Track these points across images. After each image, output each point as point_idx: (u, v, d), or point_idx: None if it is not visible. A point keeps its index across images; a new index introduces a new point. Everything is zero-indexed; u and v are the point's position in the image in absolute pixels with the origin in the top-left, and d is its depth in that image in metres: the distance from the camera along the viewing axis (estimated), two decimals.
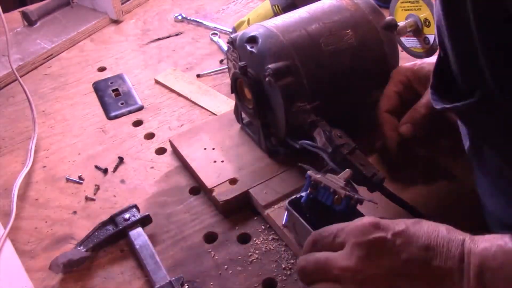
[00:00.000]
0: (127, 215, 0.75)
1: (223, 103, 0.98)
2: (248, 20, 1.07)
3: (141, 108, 1.00)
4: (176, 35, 1.20)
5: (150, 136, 0.93)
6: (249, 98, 0.81)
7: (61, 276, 0.71)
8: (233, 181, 0.80)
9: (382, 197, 0.69)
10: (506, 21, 0.45)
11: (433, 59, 0.79)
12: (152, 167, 0.87)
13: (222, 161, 0.83)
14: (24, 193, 0.84)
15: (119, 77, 1.08)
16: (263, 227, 0.76)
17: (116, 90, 1.04)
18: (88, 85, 1.07)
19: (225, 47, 1.10)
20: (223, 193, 0.78)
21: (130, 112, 0.99)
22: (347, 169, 0.65)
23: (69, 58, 1.15)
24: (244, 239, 0.75)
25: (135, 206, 0.77)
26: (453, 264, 0.50)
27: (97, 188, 0.84)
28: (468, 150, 0.61)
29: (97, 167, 0.87)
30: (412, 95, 0.79)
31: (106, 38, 1.20)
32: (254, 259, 0.71)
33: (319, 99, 0.75)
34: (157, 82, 1.06)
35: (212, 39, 1.17)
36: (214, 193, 0.78)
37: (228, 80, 0.93)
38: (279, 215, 0.72)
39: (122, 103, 1.01)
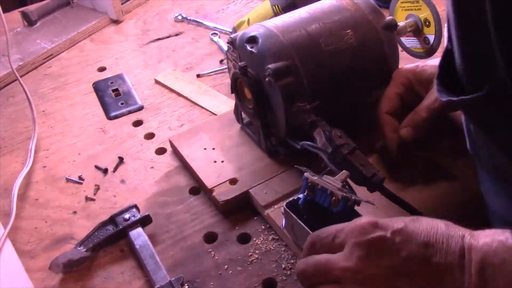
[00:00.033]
0: (127, 215, 0.75)
1: (223, 103, 0.98)
2: (248, 20, 1.07)
3: (141, 108, 1.00)
4: (176, 35, 1.20)
5: (150, 136, 0.93)
6: (249, 98, 0.81)
7: (61, 276, 0.71)
8: (233, 181, 0.80)
9: (382, 197, 0.69)
10: None
11: (435, 61, 0.79)
12: (152, 167, 0.87)
13: (222, 161, 0.83)
14: (24, 193, 0.84)
15: (119, 77, 1.08)
16: (263, 227, 0.76)
17: (116, 90, 1.04)
18: (88, 85, 1.07)
19: (225, 47, 1.10)
20: (223, 193, 0.78)
21: (130, 112, 0.99)
22: (344, 171, 0.65)
23: (69, 58, 1.15)
24: (244, 239, 0.75)
25: (135, 206, 0.77)
26: (453, 259, 0.50)
27: (97, 188, 0.84)
28: (469, 148, 0.61)
29: (97, 167, 0.87)
30: (413, 96, 0.79)
31: (106, 38, 1.20)
32: (254, 259, 0.71)
33: (319, 99, 0.75)
34: (157, 82, 1.06)
35: (212, 39, 1.17)
36: (214, 193, 0.78)
37: (228, 80, 0.93)
38: (279, 215, 0.72)
39: (122, 103, 1.01)
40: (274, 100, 0.77)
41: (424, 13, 0.83)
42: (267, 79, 0.74)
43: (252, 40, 0.78)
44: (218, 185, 0.79)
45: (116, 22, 1.25)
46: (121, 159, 0.88)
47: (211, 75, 1.07)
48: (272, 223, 0.75)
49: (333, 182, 0.63)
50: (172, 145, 0.89)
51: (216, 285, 0.69)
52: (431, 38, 0.84)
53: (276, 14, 1.00)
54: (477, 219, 0.69)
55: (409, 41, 0.87)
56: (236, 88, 0.83)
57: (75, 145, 0.93)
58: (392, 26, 0.81)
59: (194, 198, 0.81)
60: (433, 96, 0.75)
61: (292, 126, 0.76)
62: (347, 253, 0.54)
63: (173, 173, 0.85)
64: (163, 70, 1.09)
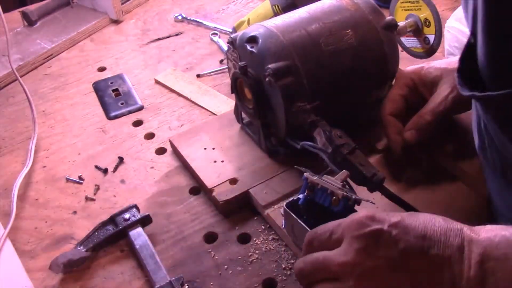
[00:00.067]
0: (127, 215, 0.75)
1: (223, 103, 0.98)
2: (248, 20, 1.07)
3: (141, 108, 1.00)
4: (176, 35, 1.20)
5: (150, 136, 0.93)
6: (249, 98, 0.81)
7: (61, 276, 0.71)
8: (233, 181, 0.80)
9: (382, 197, 0.69)
10: None
11: (440, 63, 0.79)
12: (152, 167, 0.87)
13: (222, 161, 0.83)
14: (24, 193, 0.84)
15: (119, 77, 1.08)
16: (263, 227, 0.76)
17: (116, 90, 1.04)
18: (88, 85, 1.07)
19: (225, 47, 1.10)
20: (223, 193, 0.78)
21: (130, 112, 0.99)
22: (344, 170, 0.65)
23: (69, 58, 1.15)
24: (244, 239, 0.75)
25: (135, 206, 0.77)
26: (452, 252, 0.50)
27: (97, 188, 0.84)
28: (478, 147, 0.61)
29: (97, 167, 0.87)
30: (417, 98, 0.79)
31: (106, 38, 1.20)
32: (254, 259, 0.71)
33: (319, 99, 0.75)
34: (157, 82, 1.06)
35: (212, 39, 1.17)
36: (214, 193, 0.78)
37: (228, 80, 0.93)
38: (279, 215, 0.72)
39: (122, 103, 1.01)
40: (274, 100, 0.77)
41: (424, 13, 0.83)
42: (267, 79, 0.74)
43: (252, 40, 0.78)
44: (218, 185, 0.79)
45: (116, 22, 1.25)
46: (121, 159, 0.88)
47: (211, 75, 1.07)
48: (272, 223, 0.75)
49: (333, 182, 0.63)
50: (172, 145, 0.89)
51: (216, 285, 0.69)
52: (431, 38, 0.84)
53: (276, 14, 1.00)
54: (478, 220, 0.70)
55: (409, 41, 0.87)
56: (236, 88, 0.83)
57: (75, 145, 0.93)
58: (392, 26, 0.81)
59: (194, 198, 0.81)
60: (438, 99, 0.76)
61: (292, 126, 0.76)
62: (344, 247, 0.54)
63: (173, 173, 0.85)
64: (163, 70, 1.09)
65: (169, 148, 0.90)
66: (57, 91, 1.05)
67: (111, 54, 1.15)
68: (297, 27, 0.77)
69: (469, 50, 0.54)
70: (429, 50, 0.85)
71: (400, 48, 0.84)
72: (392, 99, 0.79)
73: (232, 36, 0.83)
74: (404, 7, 0.86)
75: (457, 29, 0.98)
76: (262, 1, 1.10)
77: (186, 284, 0.69)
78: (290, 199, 0.67)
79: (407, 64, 0.86)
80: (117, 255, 0.74)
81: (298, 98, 0.74)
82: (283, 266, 0.70)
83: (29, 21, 1.21)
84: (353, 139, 0.70)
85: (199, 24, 1.22)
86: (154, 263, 0.70)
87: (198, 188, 0.82)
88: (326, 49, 0.77)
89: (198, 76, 1.06)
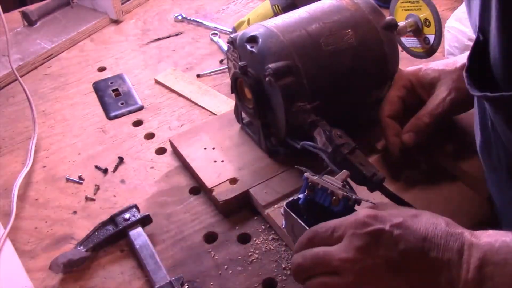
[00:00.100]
0: (127, 215, 0.75)
1: (223, 103, 0.98)
2: (248, 20, 1.07)
3: (141, 108, 1.00)
4: (176, 35, 1.20)
5: (150, 136, 0.93)
6: (249, 98, 0.81)
7: (61, 276, 0.71)
8: (233, 181, 0.80)
9: (382, 197, 0.69)
10: None
11: (437, 64, 0.79)
12: (152, 167, 0.87)
13: (222, 161, 0.83)
14: (24, 193, 0.84)
15: (119, 77, 1.08)
16: (263, 227, 0.76)
17: (116, 90, 1.04)
18: (88, 85, 1.07)
19: (225, 47, 1.10)
20: (223, 193, 0.78)
21: (130, 112, 0.99)
22: (344, 170, 0.65)
23: (69, 58, 1.15)
24: (244, 239, 0.75)
25: (135, 206, 0.77)
26: (451, 256, 0.50)
27: (97, 188, 0.84)
28: (480, 145, 0.61)
29: (97, 167, 0.87)
30: (415, 99, 0.79)
31: (106, 38, 1.20)
32: (254, 259, 0.71)
33: (319, 99, 0.75)
34: (157, 82, 1.06)
35: (212, 39, 1.17)
36: (214, 193, 0.78)
37: (228, 80, 0.93)
38: (279, 215, 0.72)
39: (122, 103, 1.01)
40: (274, 100, 0.77)
41: (424, 13, 0.83)
42: (267, 79, 0.74)
43: (252, 40, 0.78)
44: (218, 185, 0.79)
45: (116, 22, 1.25)
46: (121, 159, 0.88)
47: (211, 75, 1.07)
48: (272, 223, 0.75)
49: (333, 182, 0.63)
50: (172, 145, 0.89)
51: (216, 285, 0.69)
52: (431, 38, 0.84)
53: (276, 14, 1.00)
54: (478, 220, 0.70)
55: (409, 41, 0.87)
56: (236, 88, 0.83)
57: (75, 145, 0.93)
58: (392, 26, 0.81)
59: (194, 198, 0.81)
60: (436, 101, 0.75)
61: (292, 126, 0.76)
62: (346, 244, 0.54)
63: (173, 173, 0.85)
64: (163, 70, 1.09)
65: (169, 148, 0.90)
66: (57, 91, 1.05)
67: (111, 54, 1.15)
68: (297, 27, 0.77)
69: (477, 49, 0.54)
70: (429, 50, 0.85)
71: (400, 48, 0.84)
72: (390, 101, 0.79)
73: (232, 36, 0.83)
74: (404, 7, 0.86)
75: (457, 29, 0.98)
76: (262, 1, 1.10)
77: (186, 284, 0.69)
78: (290, 198, 0.67)
79: (407, 64, 0.86)
80: (117, 255, 0.74)
81: (298, 98, 0.74)
82: (283, 266, 0.70)
83: (29, 21, 1.21)
84: (353, 139, 0.70)
85: (199, 24, 1.22)
86: (154, 263, 0.70)
87: (198, 188, 0.82)
88: (326, 49, 0.77)
89: (198, 76, 1.06)
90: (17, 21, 1.22)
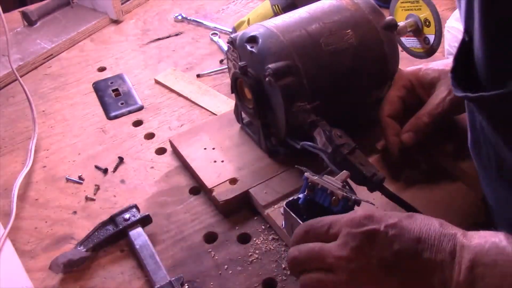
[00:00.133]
0: (127, 215, 0.75)
1: (223, 103, 0.98)
2: (248, 20, 1.07)
3: (141, 108, 1.00)
4: (176, 35, 1.20)
5: (150, 136, 0.93)
6: (249, 98, 0.81)
7: (61, 276, 0.71)
8: (233, 181, 0.80)
9: (382, 197, 0.69)
10: None
11: (438, 64, 0.79)
12: (152, 167, 0.87)
13: (222, 161, 0.83)
14: (24, 193, 0.84)
15: (119, 77, 1.08)
16: (263, 227, 0.76)
17: (116, 90, 1.04)
18: (88, 85, 1.07)
19: (225, 47, 1.10)
20: (223, 193, 0.78)
21: (130, 112, 0.99)
22: (344, 171, 0.66)
23: (69, 58, 1.15)
24: (244, 239, 0.75)
25: (135, 206, 0.77)
26: (444, 257, 0.51)
27: (97, 188, 0.84)
28: (470, 144, 0.61)
29: (97, 167, 0.87)
30: (415, 99, 0.79)
31: (106, 38, 1.20)
32: (254, 259, 0.71)
33: (319, 99, 0.75)
34: (157, 82, 1.06)
35: (212, 39, 1.17)
36: (214, 193, 0.78)
37: (228, 80, 0.93)
38: (279, 215, 0.72)
39: (122, 103, 1.01)
40: (274, 100, 0.77)
41: (424, 13, 0.83)
42: (267, 79, 0.74)
43: (252, 40, 0.78)
44: (218, 185, 0.79)
45: (116, 22, 1.25)
46: (121, 159, 0.88)
47: (211, 75, 1.07)
48: (272, 223, 0.75)
49: (333, 182, 0.63)
50: (172, 145, 0.89)
51: (216, 285, 0.69)
52: (431, 38, 0.84)
53: (276, 14, 1.00)
54: (477, 219, 0.70)
55: (409, 41, 0.87)
56: (236, 88, 0.83)
57: (75, 145, 0.93)
58: (392, 26, 0.81)
59: (194, 198, 0.81)
60: (435, 101, 0.76)
61: (292, 126, 0.76)
62: (341, 243, 0.54)
63: (173, 173, 0.85)
64: (163, 70, 1.09)
65: (169, 148, 0.90)
66: (57, 91, 1.05)
67: (111, 54, 1.15)
68: (297, 27, 0.77)
69: (463, 49, 0.54)
70: (429, 50, 0.85)
71: (400, 48, 0.84)
72: (390, 100, 0.79)
73: (232, 36, 0.83)
74: (404, 7, 0.86)
75: (457, 29, 0.98)
76: (262, 1, 1.10)
77: (186, 284, 0.69)
78: (290, 198, 0.67)
79: (407, 64, 0.86)
80: (117, 255, 0.74)
81: (298, 98, 0.74)
82: (283, 266, 0.70)
83: (29, 21, 1.21)
84: (353, 139, 0.70)
85: (199, 24, 1.22)
86: (154, 263, 0.70)
87: (198, 188, 0.82)
88: (326, 49, 0.77)
89: (198, 76, 1.06)
90: (17, 21, 1.22)
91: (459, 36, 0.97)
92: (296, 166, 0.70)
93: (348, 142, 0.69)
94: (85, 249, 0.72)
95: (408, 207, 0.68)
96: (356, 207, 0.62)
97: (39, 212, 0.81)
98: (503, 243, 0.49)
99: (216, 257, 0.72)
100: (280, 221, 0.71)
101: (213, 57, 1.11)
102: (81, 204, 0.82)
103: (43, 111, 1.00)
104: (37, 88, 1.06)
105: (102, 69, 1.11)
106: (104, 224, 0.75)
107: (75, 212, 0.80)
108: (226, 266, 0.71)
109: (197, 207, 0.80)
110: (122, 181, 0.85)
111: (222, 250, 0.73)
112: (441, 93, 0.76)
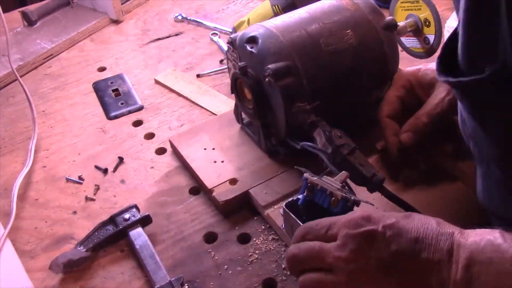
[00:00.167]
0: (127, 215, 0.75)
1: (223, 103, 0.98)
2: (248, 20, 1.07)
3: (141, 108, 1.00)
4: (176, 35, 1.20)
5: (150, 136, 0.93)
6: (249, 98, 0.81)
7: (61, 276, 0.71)
8: (233, 181, 0.80)
9: (381, 198, 0.69)
10: None
11: None
12: (152, 167, 0.87)
13: (222, 161, 0.83)
14: (24, 193, 0.84)
15: (119, 77, 1.08)
16: (263, 227, 0.76)
17: (116, 90, 1.04)
18: (88, 85, 1.07)
19: (225, 47, 1.10)
20: (223, 193, 0.78)
21: (130, 112, 0.99)
22: (343, 171, 0.66)
23: (69, 58, 1.15)
24: (244, 239, 0.75)
25: (135, 206, 0.77)
26: (441, 256, 0.51)
27: (97, 188, 0.84)
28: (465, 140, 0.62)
29: (97, 167, 0.87)
30: (414, 100, 0.79)
31: (106, 38, 1.20)
32: (254, 259, 0.71)
33: (319, 99, 0.75)
34: (157, 82, 1.06)
35: (212, 39, 1.17)
36: (214, 193, 0.78)
37: (228, 80, 0.93)
38: (279, 215, 0.73)
39: (122, 103, 1.01)
40: (274, 100, 0.77)
41: (424, 13, 0.83)
42: (267, 79, 0.74)
43: (252, 40, 0.78)
44: (218, 185, 0.79)
45: (116, 22, 1.25)
46: (121, 159, 0.88)
47: (211, 75, 1.07)
48: (272, 223, 0.75)
49: (332, 183, 0.63)
50: (172, 145, 0.89)
51: (216, 285, 0.69)
52: (431, 38, 0.84)
53: (276, 14, 1.00)
54: (477, 219, 0.69)
55: (409, 41, 0.87)
56: (236, 88, 0.83)
57: (75, 145, 0.93)
58: (392, 26, 0.81)
59: (194, 198, 0.81)
60: (434, 101, 0.76)
61: (292, 126, 0.76)
62: (340, 244, 0.55)
63: (173, 173, 0.85)
64: (163, 70, 1.09)
65: (169, 148, 0.90)
66: (57, 91, 1.06)
67: (111, 54, 1.15)
68: (297, 27, 0.77)
69: (452, 38, 0.54)
70: (429, 50, 0.85)
71: (400, 48, 0.84)
72: (389, 100, 0.79)
73: (232, 36, 0.83)
74: (404, 7, 0.86)
75: None
76: (262, 1, 1.10)
77: (186, 284, 0.69)
78: (290, 199, 0.67)
79: (407, 64, 0.86)
80: (117, 255, 0.74)
81: (298, 98, 0.74)
82: (283, 266, 0.70)
83: (29, 21, 1.21)
84: (353, 139, 0.70)
85: (199, 24, 1.22)
86: (154, 263, 0.70)
87: (198, 188, 0.82)
88: (326, 49, 0.77)
89: (198, 76, 1.06)
90: (17, 21, 1.22)
91: None
92: (295, 166, 0.70)
93: (348, 143, 0.69)
94: (85, 249, 0.72)
95: (408, 208, 0.68)
96: (355, 208, 0.62)
97: (39, 212, 0.81)
98: (498, 240, 0.49)
99: (216, 257, 0.72)
100: (280, 221, 0.71)
101: (213, 57, 1.11)
102: (81, 204, 0.82)
103: (43, 111, 1.00)
104: (37, 88, 1.06)
105: (102, 69, 1.11)
106: (104, 224, 0.75)
107: (75, 212, 0.80)
108: (226, 266, 0.71)
109: (197, 207, 0.80)
110: (122, 181, 0.85)
111: (222, 250, 0.73)
112: (440, 94, 0.76)
